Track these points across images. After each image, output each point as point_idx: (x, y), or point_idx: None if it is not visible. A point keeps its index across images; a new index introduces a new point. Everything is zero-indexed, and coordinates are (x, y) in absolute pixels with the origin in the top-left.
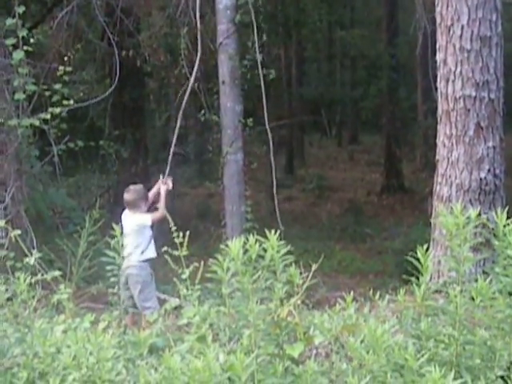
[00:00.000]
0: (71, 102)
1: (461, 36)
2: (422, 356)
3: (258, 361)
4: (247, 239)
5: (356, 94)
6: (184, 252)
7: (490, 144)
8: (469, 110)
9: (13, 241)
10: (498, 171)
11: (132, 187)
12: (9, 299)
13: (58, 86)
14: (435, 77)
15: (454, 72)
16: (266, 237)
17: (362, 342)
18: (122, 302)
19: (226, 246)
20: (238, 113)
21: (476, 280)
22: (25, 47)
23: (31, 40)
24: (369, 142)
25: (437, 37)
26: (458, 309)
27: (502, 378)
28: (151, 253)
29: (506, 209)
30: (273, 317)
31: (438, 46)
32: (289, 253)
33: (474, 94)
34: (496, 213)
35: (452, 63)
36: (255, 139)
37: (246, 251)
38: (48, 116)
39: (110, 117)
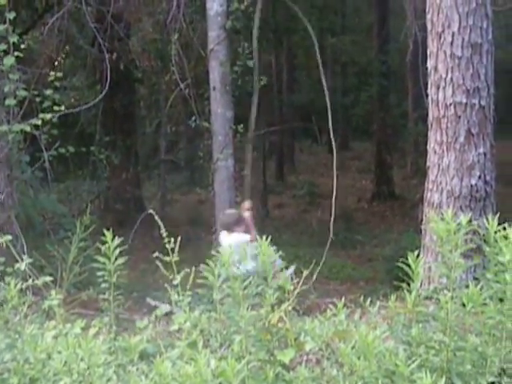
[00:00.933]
0: (62, 107)
1: (452, 43)
2: (413, 362)
3: (248, 367)
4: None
5: (347, 101)
6: (175, 258)
7: (481, 150)
8: (459, 117)
9: (3, 246)
10: (488, 178)
11: (227, 212)
12: None
13: (48, 92)
14: (426, 84)
15: (445, 79)
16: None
17: (352, 348)
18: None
19: (217, 252)
20: (228, 119)
21: (467, 286)
22: (15, 53)
23: (22, 46)
24: (359, 148)
25: (427, 43)
26: (449, 315)
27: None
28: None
29: (497, 215)
30: (264, 323)
31: (428, 53)
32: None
33: (464, 100)
34: (487, 219)
35: (443, 70)
36: (246, 145)
37: None
38: (39, 122)
39: (101, 123)
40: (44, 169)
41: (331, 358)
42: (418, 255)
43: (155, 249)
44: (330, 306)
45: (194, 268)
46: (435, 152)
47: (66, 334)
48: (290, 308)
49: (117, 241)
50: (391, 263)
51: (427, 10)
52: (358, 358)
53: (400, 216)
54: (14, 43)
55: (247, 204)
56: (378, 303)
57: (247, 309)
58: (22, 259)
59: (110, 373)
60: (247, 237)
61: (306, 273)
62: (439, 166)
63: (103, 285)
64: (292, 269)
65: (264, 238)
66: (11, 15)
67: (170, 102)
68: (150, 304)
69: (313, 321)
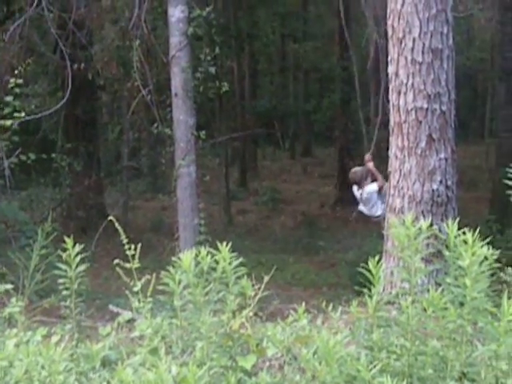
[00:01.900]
0: (23, 114)
1: (412, 48)
2: (375, 367)
3: (210, 373)
4: (200, 252)
5: (309, 107)
6: (136, 264)
7: (442, 156)
8: (420, 122)
9: None
10: (449, 183)
11: (353, 169)
12: None
13: (9, 99)
14: (387, 89)
15: (406, 84)
16: (218, 249)
17: (314, 353)
18: None
19: (179, 258)
20: (190, 126)
21: (428, 291)
22: None
23: None
24: (322, 154)
25: (388, 49)
26: (410, 319)
27: None
28: (380, 210)
29: (457, 220)
30: (225, 329)
31: (389, 59)
32: (241, 265)
33: (425, 106)
34: (447, 224)
35: (404, 75)
36: (208, 152)
37: (198, 263)
38: None
39: (63, 130)
40: (4, 176)
41: (293, 363)
42: (379, 260)
43: (118, 256)
44: (292, 311)
45: (155, 274)
46: (396, 157)
47: (27, 342)
48: (251, 314)
49: (78, 248)
50: (354, 268)
51: (388, 15)
52: (320, 363)
53: (363, 221)
54: None
55: (368, 156)
56: (341, 308)
57: (208, 315)
58: None
59: (72, 380)
60: (375, 186)
61: (267, 278)
62: (401, 171)
63: (64, 292)
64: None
65: (224, 244)
66: None
67: (132, 109)
68: (113, 311)
69: (275, 326)
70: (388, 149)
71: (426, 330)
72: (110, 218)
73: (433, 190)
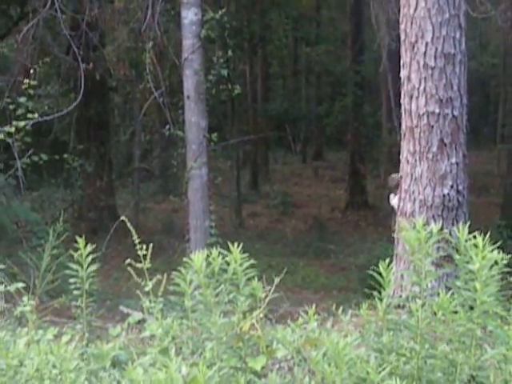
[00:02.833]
0: (36, 115)
1: (425, 53)
2: (384, 369)
3: (220, 374)
4: (211, 253)
5: (321, 111)
6: (147, 265)
7: (454, 160)
8: (432, 127)
9: None
10: (461, 187)
11: (391, 176)
12: None
13: (22, 100)
14: (399, 93)
15: (418, 89)
16: (229, 251)
17: (324, 355)
18: None
19: (190, 259)
20: (202, 128)
21: (438, 294)
22: None
23: None
24: (333, 158)
25: (401, 54)
26: (420, 323)
27: None
28: None
29: (468, 224)
30: (235, 330)
31: (402, 63)
32: (252, 267)
33: (437, 110)
34: (458, 228)
35: (416, 80)
36: (220, 154)
37: (209, 264)
38: (12, 129)
39: (75, 131)
40: (17, 176)
41: (303, 365)
42: (389, 263)
43: (129, 257)
44: (302, 314)
45: (166, 275)
46: (408, 162)
47: (38, 341)
48: (261, 315)
49: (89, 248)
50: (364, 272)
51: (400, 20)
52: (329, 366)
53: (373, 225)
54: None
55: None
56: (351, 311)
57: (219, 316)
58: None
59: (82, 379)
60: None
61: (277, 280)
62: (412, 175)
63: (75, 292)
64: None
65: (235, 245)
66: None
67: (144, 111)
68: (123, 312)
69: (285, 328)
70: (399, 153)
71: (435, 334)
72: (122, 218)
73: (444, 195)
